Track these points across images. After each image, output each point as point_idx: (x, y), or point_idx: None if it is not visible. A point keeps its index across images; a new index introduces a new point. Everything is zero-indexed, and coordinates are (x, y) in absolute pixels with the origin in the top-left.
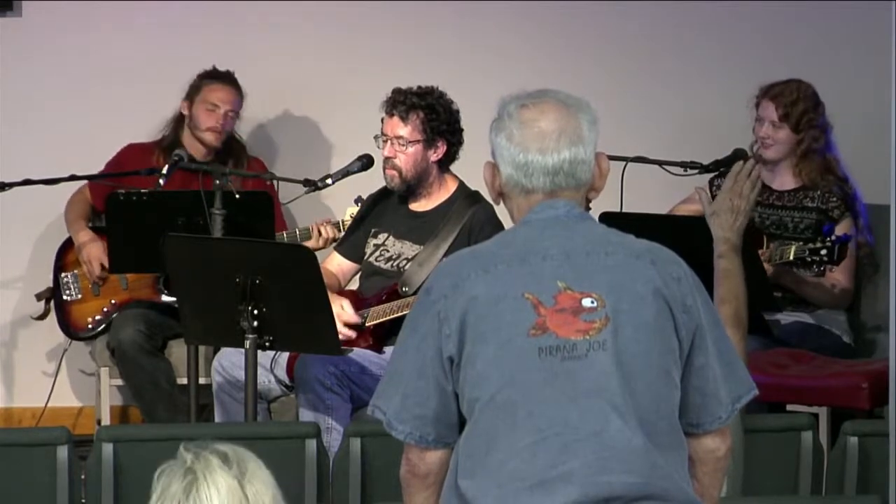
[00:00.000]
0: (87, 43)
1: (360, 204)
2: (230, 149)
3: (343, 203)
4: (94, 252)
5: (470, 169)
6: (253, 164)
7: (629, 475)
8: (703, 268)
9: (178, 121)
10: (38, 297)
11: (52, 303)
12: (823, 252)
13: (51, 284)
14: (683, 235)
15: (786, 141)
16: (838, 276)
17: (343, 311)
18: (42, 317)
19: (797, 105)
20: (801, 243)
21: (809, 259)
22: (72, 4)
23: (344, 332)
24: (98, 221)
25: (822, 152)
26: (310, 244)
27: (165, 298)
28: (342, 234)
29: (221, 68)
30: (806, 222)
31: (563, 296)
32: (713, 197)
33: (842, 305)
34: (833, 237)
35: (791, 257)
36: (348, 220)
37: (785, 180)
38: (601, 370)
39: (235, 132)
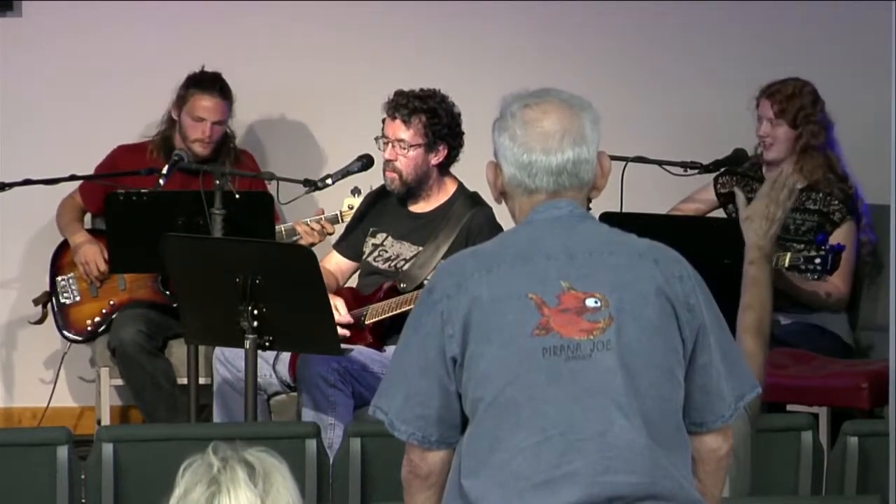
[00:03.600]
0: (87, 43)
1: (356, 195)
2: (221, 144)
3: (341, 202)
4: (90, 253)
5: (470, 169)
6: (243, 156)
7: (633, 475)
8: (704, 267)
9: (171, 121)
10: (36, 301)
11: (49, 307)
12: (818, 261)
13: (47, 288)
14: (684, 235)
15: (785, 138)
16: (834, 280)
17: (336, 312)
18: (40, 321)
19: (793, 101)
20: (795, 250)
21: (804, 267)
22: (72, 4)
23: (339, 332)
24: (91, 224)
25: (823, 149)
26: (303, 241)
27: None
28: (341, 223)
29: (218, 68)
30: (807, 224)
31: (567, 296)
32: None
33: (837, 309)
34: (826, 247)
35: (786, 264)
36: (346, 210)
37: None
38: (605, 370)
39: (228, 126)
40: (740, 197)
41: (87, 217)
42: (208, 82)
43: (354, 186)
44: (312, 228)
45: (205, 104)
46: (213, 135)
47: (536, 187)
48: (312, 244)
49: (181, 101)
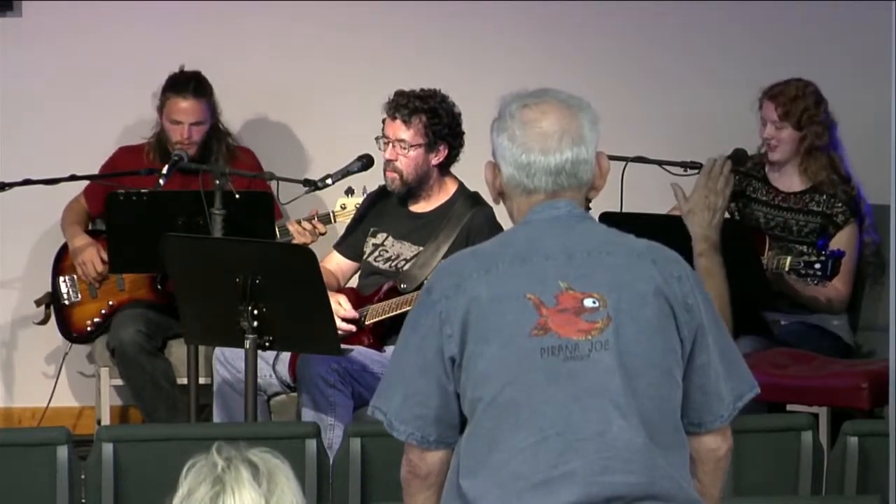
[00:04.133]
0: (86, 43)
1: (350, 195)
2: (216, 142)
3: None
4: (88, 254)
5: (470, 168)
6: (242, 154)
7: (631, 475)
8: None
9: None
10: (38, 302)
11: (51, 307)
12: (817, 266)
13: (49, 289)
14: (684, 236)
15: (790, 140)
16: (835, 283)
17: (340, 307)
18: (43, 321)
19: (797, 102)
20: (797, 253)
21: (804, 272)
22: (72, 4)
23: (342, 327)
24: (95, 227)
25: (827, 149)
26: (295, 241)
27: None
28: (333, 223)
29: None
30: (810, 226)
31: (565, 296)
32: None
33: (837, 312)
34: (827, 252)
35: (787, 268)
36: (339, 210)
37: (792, 182)
38: (603, 370)
39: (221, 123)
40: (678, 192)
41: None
42: (182, 84)
43: (348, 186)
44: (304, 228)
45: (180, 106)
46: (191, 136)
47: (535, 187)
48: (305, 244)
49: (161, 105)
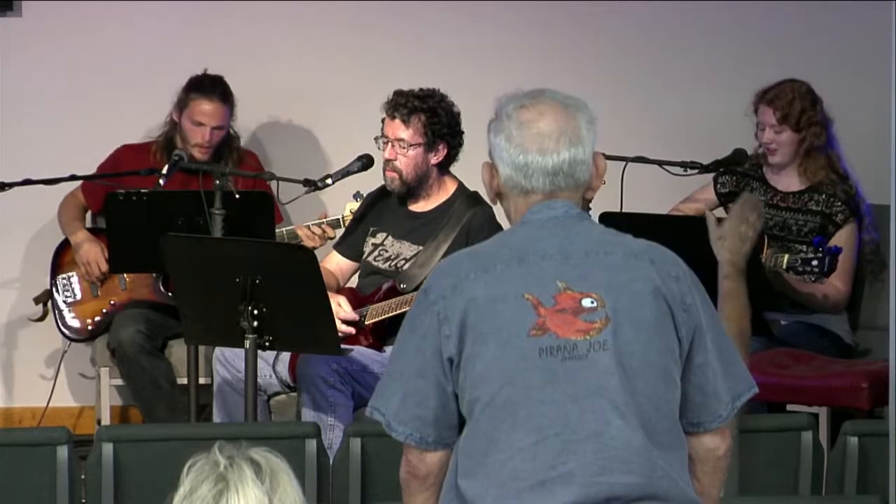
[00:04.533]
0: (86, 43)
1: (359, 199)
2: (227, 147)
3: (342, 202)
4: (91, 253)
5: (470, 168)
6: (247, 157)
7: (630, 475)
8: (703, 267)
9: (173, 123)
10: (36, 300)
11: (49, 305)
12: (815, 263)
13: (48, 287)
14: (683, 235)
15: (789, 143)
16: (834, 282)
17: (340, 309)
18: (41, 319)
19: (794, 105)
20: (795, 251)
21: (801, 269)
22: (72, 4)
23: (342, 328)
24: (92, 223)
25: (825, 149)
26: (305, 244)
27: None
28: (342, 228)
29: (219, 68)
30: (810, 226)
31: (563, 296)
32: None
33: (836, 311)
34: (824, 248)
35: (784, 266)
36: (348, 215)
37: (791, 182)
38: (602, 370)
39: (232, 128)
40: (710, 217)
41: (89, 214)
42: (209, 86)
43: (357, 191)
44: (314, 232)
45: (205, 108)
46: (212, 139)
47: (532, 188)
48: (314, 248)
49: (182, 104)
